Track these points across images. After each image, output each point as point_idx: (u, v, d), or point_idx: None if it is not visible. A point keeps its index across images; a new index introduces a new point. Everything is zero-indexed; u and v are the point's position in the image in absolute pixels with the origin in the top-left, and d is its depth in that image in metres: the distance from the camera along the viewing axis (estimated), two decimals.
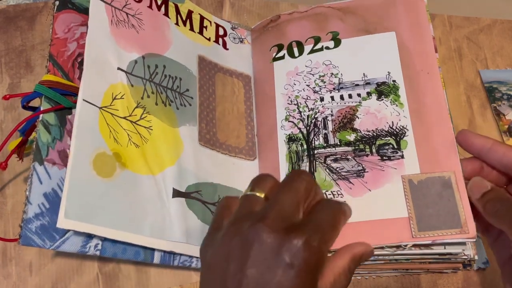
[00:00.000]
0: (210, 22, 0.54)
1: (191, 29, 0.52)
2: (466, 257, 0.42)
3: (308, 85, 0.50)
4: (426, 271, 0.48)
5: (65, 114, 0.43)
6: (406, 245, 0.41)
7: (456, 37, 0.61)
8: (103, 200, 0.40)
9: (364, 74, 0.49)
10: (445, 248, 0.42)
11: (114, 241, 0.41)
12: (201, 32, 0.53)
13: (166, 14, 0.51)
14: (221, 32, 0.55)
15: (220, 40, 0.54)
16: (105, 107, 0.43)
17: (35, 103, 0.44)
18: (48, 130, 0.41)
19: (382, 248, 0.42)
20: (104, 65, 0.44)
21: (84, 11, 0.47)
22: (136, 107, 0.45)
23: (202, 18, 0.54)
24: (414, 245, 0.42)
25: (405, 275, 0.48)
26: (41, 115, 0.42)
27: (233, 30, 0.56)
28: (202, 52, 0.52)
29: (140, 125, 0.45)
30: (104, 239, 0.41)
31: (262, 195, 0.32)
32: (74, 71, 0.45)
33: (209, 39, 0.53)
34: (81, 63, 0.45)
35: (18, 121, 0.43)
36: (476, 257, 0.42)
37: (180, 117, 0.47)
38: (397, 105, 0.47)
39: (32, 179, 0.40)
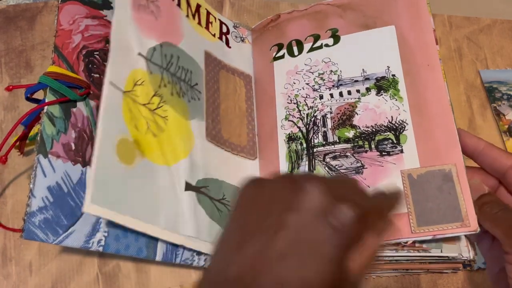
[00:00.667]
0: (215, 18, 0.54)
1: (199, 23, 0.52)
2: (465, 258, 0.42)
3: (307, 84, 0.50)
4: (426, 271, 0.48)
5: (69, 107, 0.42)
6: (406, 242, 0.41)
7: (456, 37, 0.61)
8: (124, 188, 0.39)
9: (363, 69, 0.49)
10: (441, 251, 0.42)
11: (117, 237, 0.41)
12: (207, 27, 0.53)
13: (179, 5, 0.50)
14: (224, 29, 0.55)
15: (224, 37, 0.54)
16: (128, 91, 0.42)
17: (38, 96, 0.43)
18: (52, 123, 0.41)
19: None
20: (127, 50, 0.43)
21: (89, 3, 0.46)
22: (154, 95, 0.44)
23: (208, 14, 0.54)
24: (412, 248, 0.42)
25: (405, 275, 0.48)
26: (45, 107, 0.41)
27: (235, 28, 0.56)
28: (208, 48, 0.52)
29: (157, 114, 0.44)
30: (107, 235, 0.41)
31: None
32: (78, 64, 0.44)
33: (214, 35, 0.53)
34: (85, 56, 0.44)
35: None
36: (475, 258, 0.42)
37: (191, 110, 0.47)
38: (396, 100, 0.46)
39: (36, 172, 0.39)
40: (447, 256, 0.42)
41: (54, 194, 0.39)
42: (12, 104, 0.54)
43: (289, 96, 0.50)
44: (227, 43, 0.54)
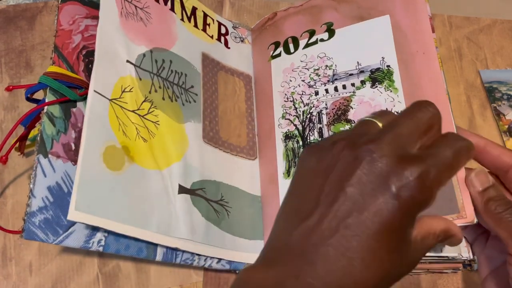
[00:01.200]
0: (213, 19, 0.55)
1: (195, 25, 0.52)
2: (465, 258, 0.42)
3: (303, 80, 0.50)
4: (426, 271, 0.48)
5: (69, 107, 0.42)
6: None
7: (456, 37, 0.61)
8: (112, 193, 0.40)
9: (358, 62, 0.48)
10: (441, 251, 0.41)
11: (118, 237, 0.41)
12: (204, 30, 0.53)
13: (172, 9, 0.51)
14: (223, 30, 0.55)
15: (222, 38, 0.54)
16: (114, 99, 0.42)
17: (38, 96, 0.43)
18: (52, 123, 0.41)
19: None
20: (114, 57, 0.44)
21: (88, 3, 0.46)
22: (144, 101, 0.45)
23: (205, 16, 0.54)
24: None
25: None
26: (45, 107, 0.41)
27: (234, 29, 0.56)
28: (206, 50, 0.52)
29: (147, 119, 0.44)
30: (107, 235, 0.41)
31: (380, 124, 0.29)
32: (78, 64, 0.44)
33: (212, 37, 0.53)
34: (85, 56, 0.44)
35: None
36: (475, 258, 0.42)
37: (186, 113, 0.47)
38: (391, 91, 0.46)
39: (36, 172, 0.39)
40: (446, 256, 0.42)
41: (54, 194, 0.39)
42: (12, 104, 0.54)
43: (285, 94, 0.50)
44: (226, 44, 0.54)
